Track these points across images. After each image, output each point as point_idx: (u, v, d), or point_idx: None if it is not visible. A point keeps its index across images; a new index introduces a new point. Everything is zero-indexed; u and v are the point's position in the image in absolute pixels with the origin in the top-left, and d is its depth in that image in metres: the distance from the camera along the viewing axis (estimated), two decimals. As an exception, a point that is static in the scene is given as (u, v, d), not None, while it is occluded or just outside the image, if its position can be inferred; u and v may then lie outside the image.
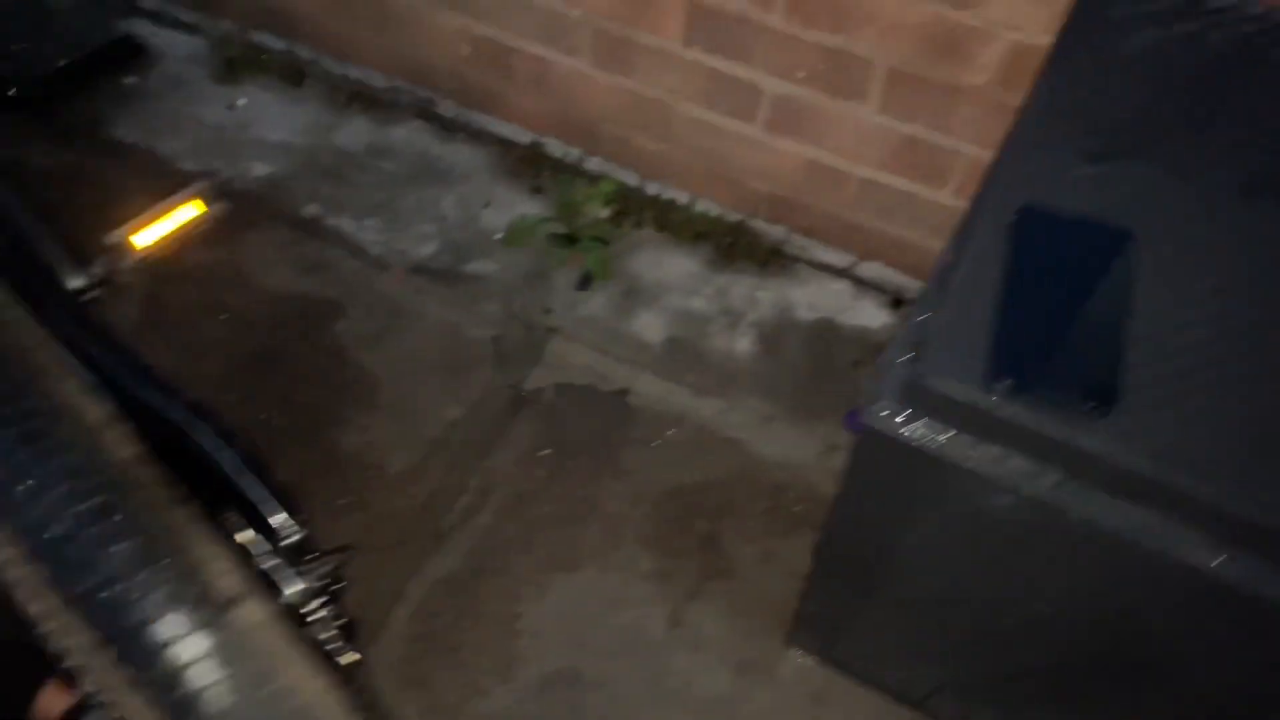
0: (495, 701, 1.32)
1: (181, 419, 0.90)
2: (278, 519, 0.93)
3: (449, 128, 1.90)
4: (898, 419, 0.86)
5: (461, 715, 1.30)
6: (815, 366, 1.64)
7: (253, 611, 0.54)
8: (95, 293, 0.93)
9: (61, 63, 1.86)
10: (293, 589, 0.94)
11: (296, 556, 0.95)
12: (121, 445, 0.66)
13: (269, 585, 0.92)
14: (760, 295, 1.71)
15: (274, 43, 1.95)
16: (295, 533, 0.93)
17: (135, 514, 0.62)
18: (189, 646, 0.56)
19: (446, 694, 1.32)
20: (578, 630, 1.37)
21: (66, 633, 0.59)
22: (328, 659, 0.97)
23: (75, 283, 0.93)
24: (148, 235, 0.97)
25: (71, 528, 0.57)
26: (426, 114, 1.90)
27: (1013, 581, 1.03)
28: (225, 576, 0.54)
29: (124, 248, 0.97)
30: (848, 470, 1.03)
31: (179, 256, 1.63)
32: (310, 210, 1.78)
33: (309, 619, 0.95)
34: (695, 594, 1.41)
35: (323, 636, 0.96)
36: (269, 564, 0.91)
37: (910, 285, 1.70)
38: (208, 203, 0.94)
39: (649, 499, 1.49)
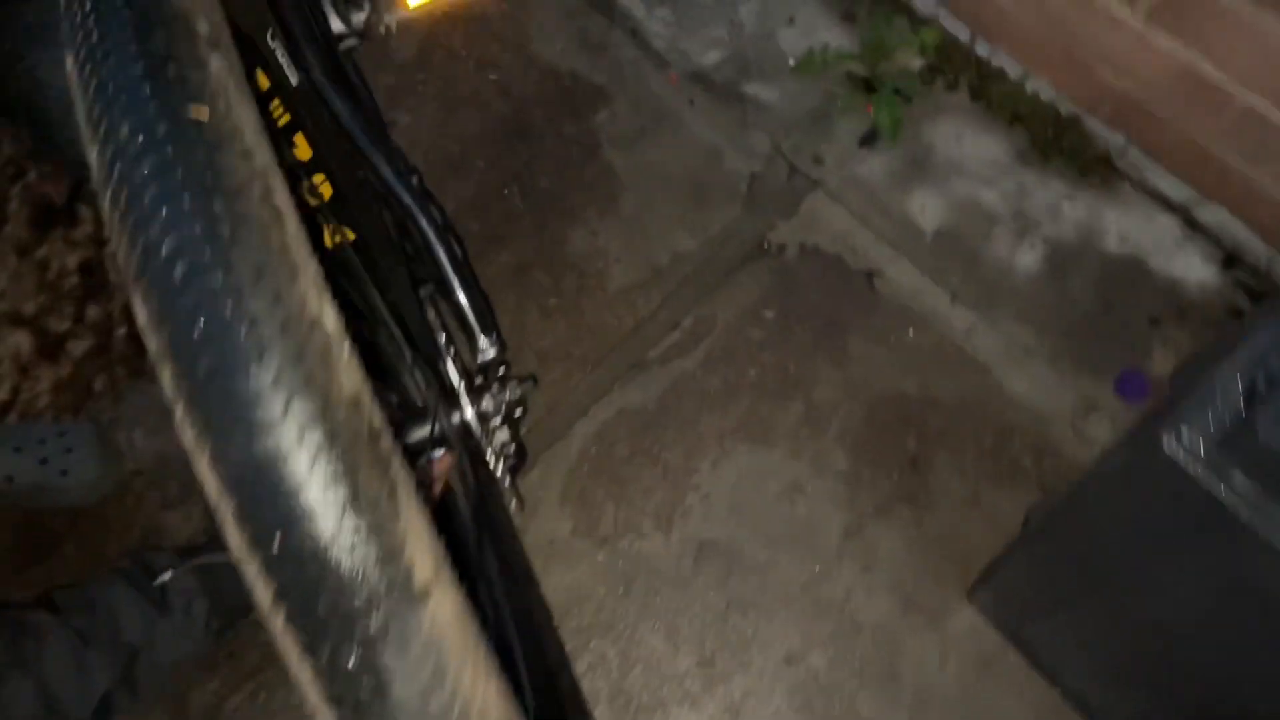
0: (648, 546, 1.28)
1: (409, 202, 0.84)
2: (482, 340, 0.88)
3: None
4: (1201, 456, 0.69)
5: (612, 548, 1.28)
6: (1103, 308, 1.40)
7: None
8: (353, 41, 0.87)
9: None
10: (477, 407, 0.89)
11: (488, 373, 0.90)
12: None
13: (454, 399, 0.89)
14: (1066, 208, 1.47)
15: None
16: (492, 351, 0.87)
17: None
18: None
19: (603, 523, 1.30)
20: (750, 507, 1.30)
21: None
22: (492, 479, 0.94)
23: (336, 25, 0.87)
24: (414, -9, 0.89)
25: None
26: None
27: (1262, 651, 0.86)
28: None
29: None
30: (1113, 465, 0.86)
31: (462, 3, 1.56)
32: (605, -17, 1.65)
33: (486, 438, 0.91)
34: (883, 512, 1.30)
35: (493, 458, 0.92)
36: (458, 379, 0.87)
37: (1254, 246, 1.40)
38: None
39: (864, 397, 1.36)
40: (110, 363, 0.75)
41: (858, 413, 1.35)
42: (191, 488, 1.33)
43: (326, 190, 0.87)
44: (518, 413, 0.92)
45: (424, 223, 0.81)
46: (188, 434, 0.47)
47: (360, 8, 0.83)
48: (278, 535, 0.47)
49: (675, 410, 1.36)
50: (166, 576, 0.95)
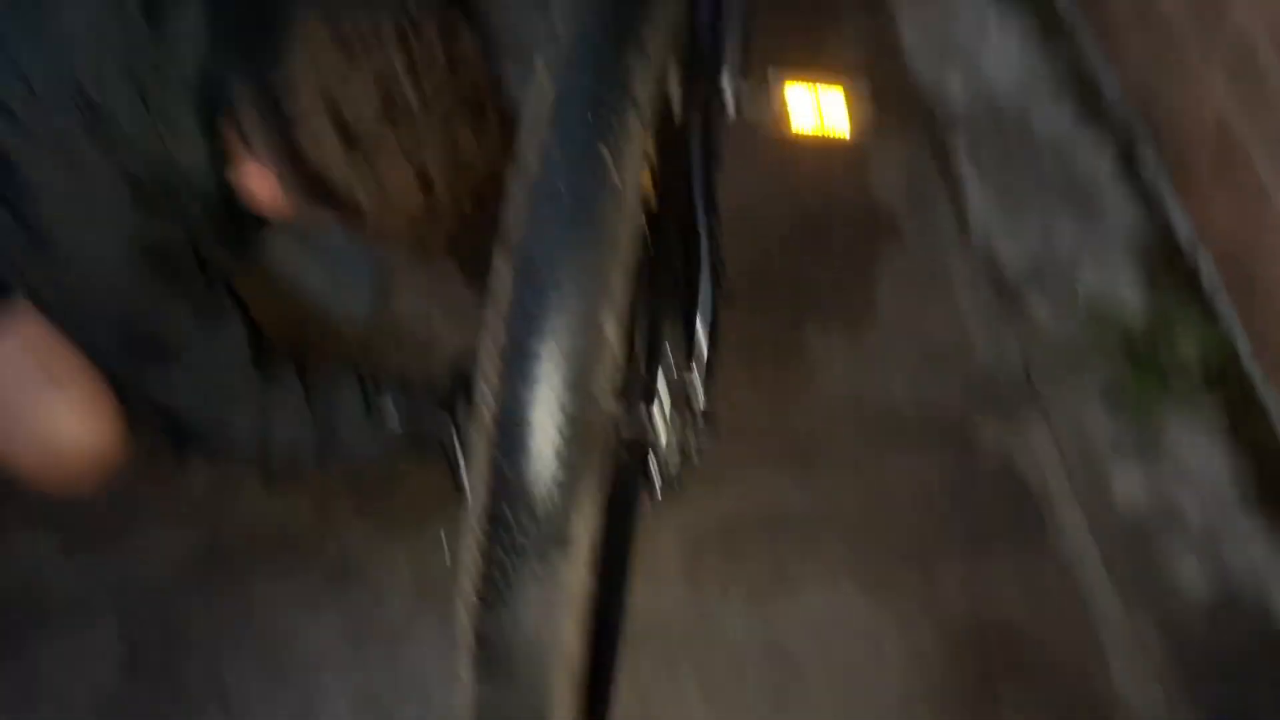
0: (729, 614, 1.39)
1: (705, 240, 1.01)
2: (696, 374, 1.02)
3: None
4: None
5: (702, 604, 1.40)
6: (1239, 674, 1.39)
7: None
8: (732, 110, 1.05)
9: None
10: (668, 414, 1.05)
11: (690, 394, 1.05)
12: None
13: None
14: (1264, 567, 1.46)
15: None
16: (701, 380, 1.02)
17: None
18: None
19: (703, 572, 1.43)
20: (827, 635, 1.38)
21: None
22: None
23: (724, 79, 1.05)
24: (795, 90, 1.05)
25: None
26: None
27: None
28: None
29: (776, 87, 1.07)
30: None
31: (820, 115, 1.73)
32: (954, 152, 1.78)
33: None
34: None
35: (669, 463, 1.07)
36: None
37: None
38: (855, 99, 0.99)
39: (966, 608, 1.41)
40: (460, 254, 0.95)
41: (958, 620, 1.40)
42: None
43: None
44: (696, 436, 1.08)
45: (707, 262, 0.98)
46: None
47: (752, 85, 1.01)
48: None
49: (817, 525, 1.47)
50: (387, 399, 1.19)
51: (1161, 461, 1.52)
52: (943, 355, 1.61)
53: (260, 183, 0.97)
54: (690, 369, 1.03)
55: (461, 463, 1.04)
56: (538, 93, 0.68)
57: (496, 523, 0.63)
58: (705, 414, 1.08)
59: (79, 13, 0.87)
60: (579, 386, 0.61)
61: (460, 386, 1.06)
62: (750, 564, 1.44)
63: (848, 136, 1.09)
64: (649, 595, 1.39)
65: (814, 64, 1.12)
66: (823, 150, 1.76)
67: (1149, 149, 1.71)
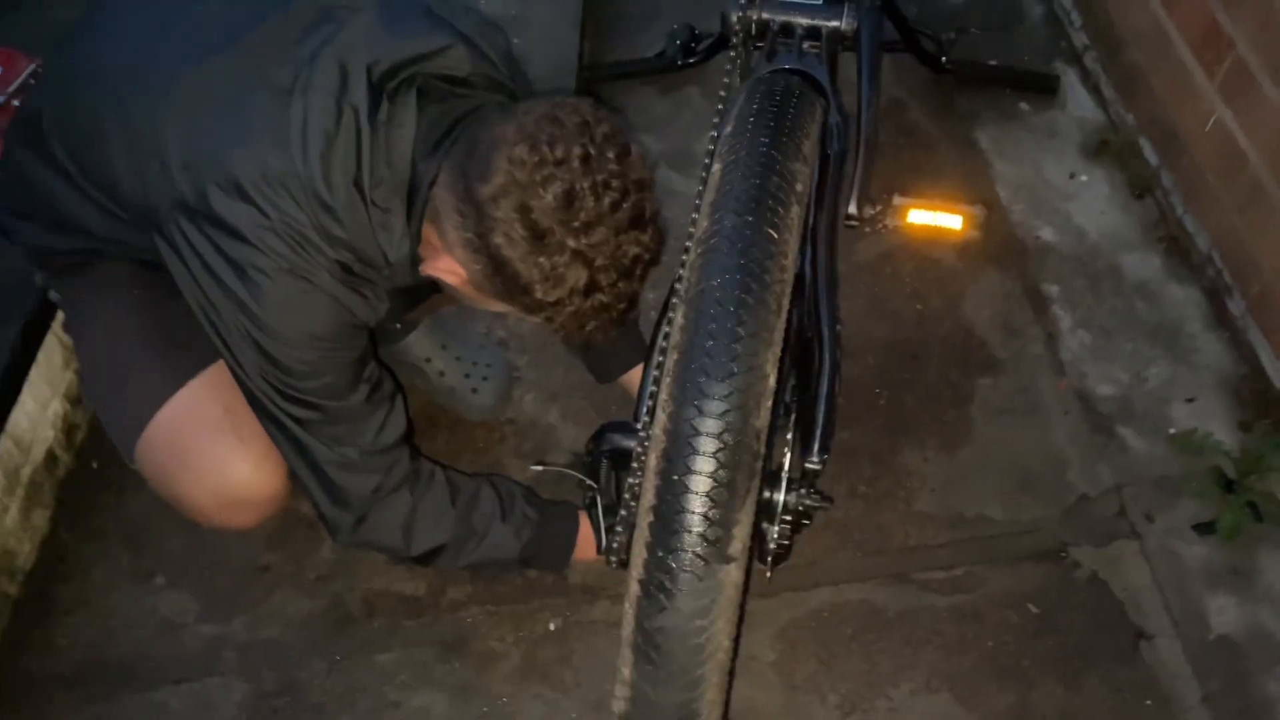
0: (823, 716, 1.43)
1: (826, 330, 1.11)
2: (815, 454, 1.12)
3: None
4: None
5: (793, 697, 1.44)
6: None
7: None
8: (854, 224, 1.18)
9: (993, 62, 2.17)
10: (782, 496, 1.14)
11: (804, 479, 1.14)
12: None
13: (772, 481, 1.14)
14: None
15: (1150, 156, 2.01)
16: (817, 466, 1.11)
17: None
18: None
19: (798, 673, 1.47)
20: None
21: None
22: (760, 555, 1.17)
23: (849, 208, 1.19)
24: (919, 215, 1.18)
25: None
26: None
27: None
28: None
29: (897, 210, 1.19)
30: None
31: (923, 241, 1.86)
32: (1047, 290, 1.88)
33: (774, 520, 1.15)
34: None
35: (772, 541, 1.15)
36: (784, 470, 1.12)
37: None
38: (973, 225, 1.10)
39: (1073, 725, 1.42)
40: (610, 323, 1.07)
41: (1059, 735, 1.42)
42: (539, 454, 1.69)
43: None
44: (804, 520, 1.16)
45: (829, 350, 1.09)
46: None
47: (875, 205, 1.14)
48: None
49: (908, 630, 1.51)
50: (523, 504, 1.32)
51: (1254, 588, 1.54)
52: (1037, 480, 1.67)
53: (448, 274, 1.10)
54: (809, 460, 1.11)
55: (603, 524, 1.13)
56: (716, 182, 0.81)
57: (665, 532, 0.72)
58: (812, 508, 1.15)
59: (315, 116, 1.04)
60: (745, 418, 0.71)
61: (602, 459, 1.16)
62: (846, 666, 1.48)
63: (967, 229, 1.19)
64: (745, 683, 1.44)
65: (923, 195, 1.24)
66: (920, 282, 1.88)
67: (1237, 293, 1.79)
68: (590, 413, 1.75)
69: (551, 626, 1.53)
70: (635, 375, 1.57)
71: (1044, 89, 2.15)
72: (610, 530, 1.12)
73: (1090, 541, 1.61)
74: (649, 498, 0.76)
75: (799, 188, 0.83)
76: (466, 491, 1.33)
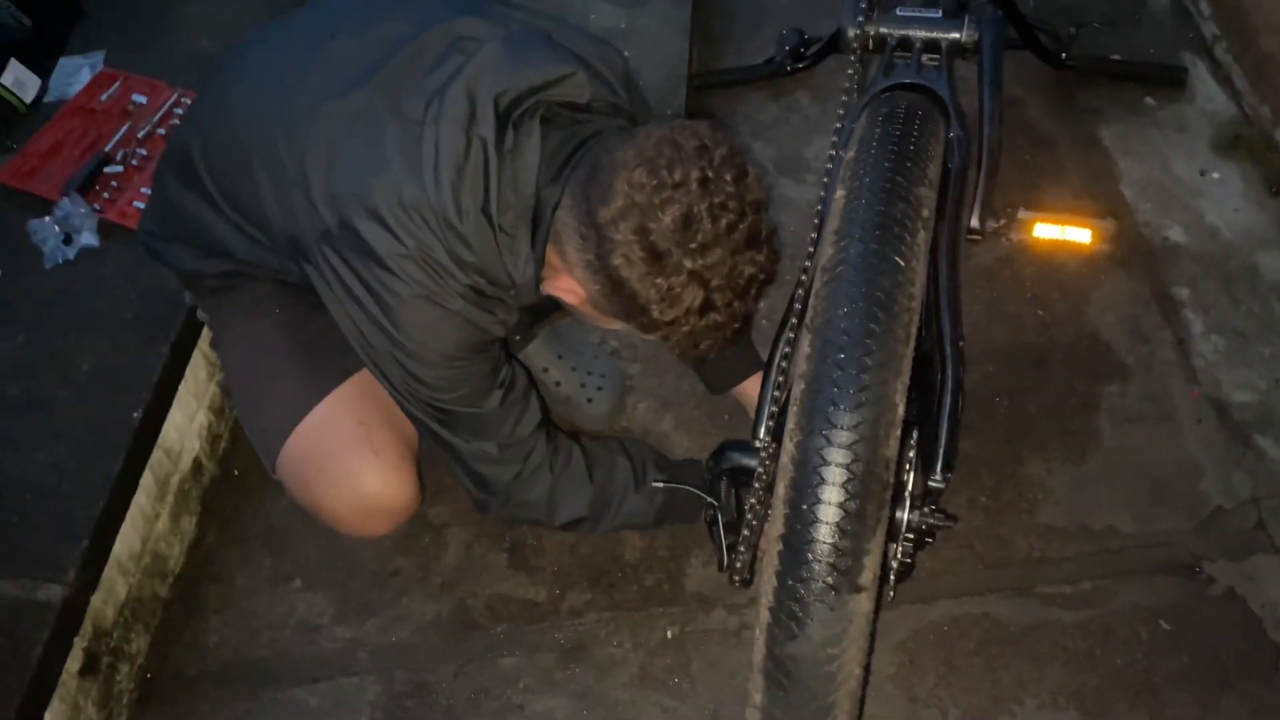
0: (941, 729, 1.41)
1: (949, 346, 1.10)
2: (938, 472, 1.11)
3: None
4: None
5: (916, 711, 1.43)
6: None
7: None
8: (977, 238, 1.16)
9: (1116, 57, 2.09)
10: (905, 514, 1.13)
11: (927, 497, 1.13)
12: None
13: (894, 499, 1.13)
14: None
15: (1289, 147, 1.92)
16: (940, 484, 1.10)
17: None
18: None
19: (920, 687, 1.46)
20: None
21: None
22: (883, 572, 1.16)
23: (972, 220, 1.17)
24: (1045, 229, 1.15)
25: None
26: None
27: None
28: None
29: (1022, 224, 1.17)
30: None
31: (1050, 251, 1.81)
32: (1177, 293, 1.81)
33: (897, 539, 1.14)
34: None
35: (894, 559, 1.15)
36: (908, 488, 1.11)
37: None
38: (1102, 239, 1.07)
39: None
40: (724, 340, 1.09)
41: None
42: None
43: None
44: (927, 538, 1.15)
45: (952, 367, 1.07)
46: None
47: (998, 219, 1.12)
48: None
49: (1032, 645, 1.48)
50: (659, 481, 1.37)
51: None
52: (1169, 491, 1.61)
53: (567, 294, 1.14)
54: (932, 478, 1.10)
55: (724, 541, 1.15)
56: (840, 209, 0.82)
57: (796, 561, 0.73)
58: (935, 526, 1.14)
59: (446, 147, 1.08)
60: (874, 448, 0.72)
61: (721, 474, 1.18)
62: (967, 681, 1.46)
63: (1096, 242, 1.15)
64: (867, 699, 1.43)
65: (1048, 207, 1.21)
66: (1041, 286, 1.83)
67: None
68: (703, 422, 1.76)
69: (669, 634, 1.55)
70: (748, 386, 1.58)
71: (1171, 82, 2.07)
72: (731, 548, 1.14)
73: (1226, 555, 1.55)
74: (778, 526, 0.77)
75: (924, 214, 0.83)
76: (603, 464, 1.39)
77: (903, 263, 0.77)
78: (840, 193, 0.88)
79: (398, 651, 1.57)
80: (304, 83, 1.15)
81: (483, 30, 1.13)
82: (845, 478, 0.73)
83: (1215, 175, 1.95)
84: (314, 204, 1.11)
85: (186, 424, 1.69)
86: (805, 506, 0.73)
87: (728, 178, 1.00)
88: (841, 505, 0.73)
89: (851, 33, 1.19)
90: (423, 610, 1.61)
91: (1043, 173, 1.95)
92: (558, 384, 1.74)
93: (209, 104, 1.27)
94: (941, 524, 1.12)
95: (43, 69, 1.93)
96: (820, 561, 0.73)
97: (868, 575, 0.74)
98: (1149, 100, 2.07)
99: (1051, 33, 2.00)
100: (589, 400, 1.74)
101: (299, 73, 1.16)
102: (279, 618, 1.61)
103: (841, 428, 0.73)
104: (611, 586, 1.60)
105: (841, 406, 0.73)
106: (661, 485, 1.37)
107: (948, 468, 1.11)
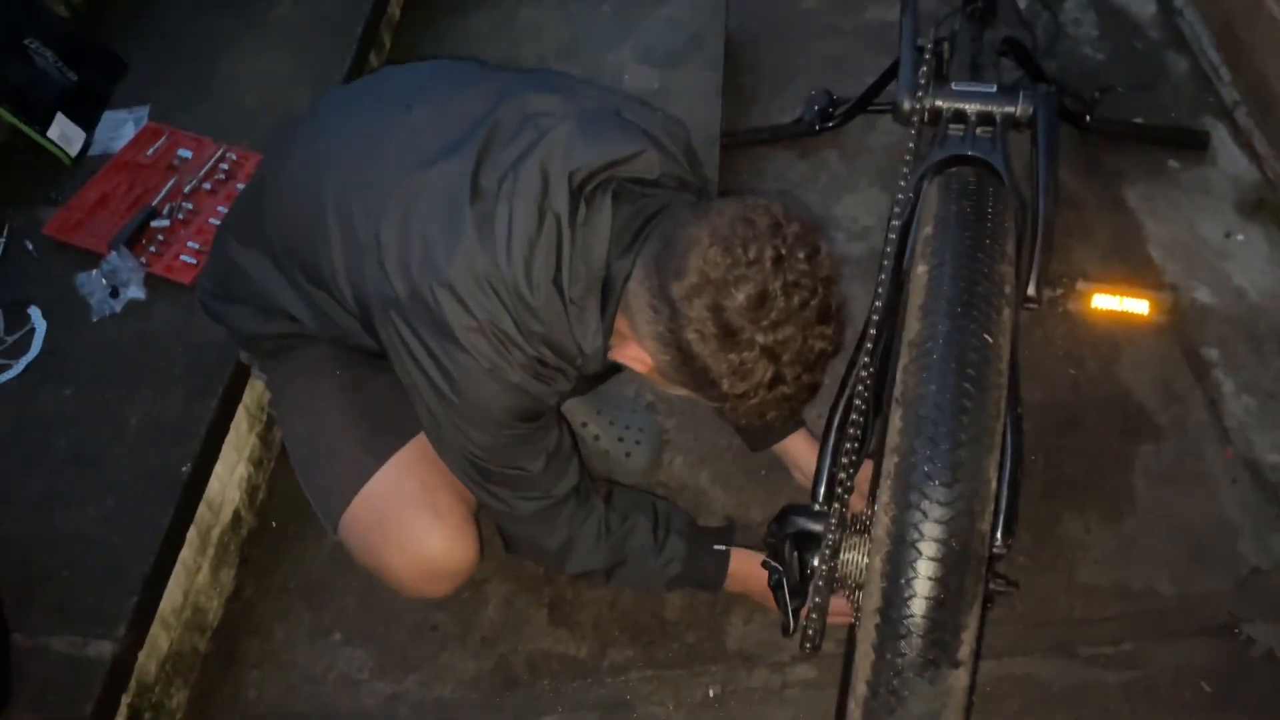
0: None
1: (1010, 422, 1.12)
2: (999, 538, 1.11)
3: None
4: None
5: None
6: None
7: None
8: (1034, 306, 1.18)
9: (1139, 120, 2.14)
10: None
11: (989, 562, 1.14)
12: None
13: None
14: None
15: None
16: (1002, 550, 1.11)
17: None
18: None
19: None
20: None
21: None
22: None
23: (1029, 290, 1.19)
24: (1103, 300, 1.18)
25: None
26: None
27: None
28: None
29: (1080, 295, 1.19)
30: None
31: (1103, 322, 1.83)
32: (1207, 353, 1.84)
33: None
34: None
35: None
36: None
37: None
38: (1159, 311, 1.09)
39: None
40: (790, 413, 1.10)
41: None
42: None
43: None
44: (988, 604, 1.16)
45: (1012, 434, 1.09)
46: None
47: (1054, 288, 1.14)
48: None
49: (1076, 706, 1.48)
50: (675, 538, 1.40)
51: None
52: (1207, 552, 1.62)
53: (635, 362, 1.15)
54: (994, 544, 1.11)
55: (790, 605, 1.15)
56: (924, 285, 0.84)
57: (894, 637, 0.74)
58: (996, 592, 1.15)
59: (520, 221, 1.10)
60: (971, 523, 0.73)
61: (785, 539, 1.19)
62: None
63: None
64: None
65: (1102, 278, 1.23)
66: (1072, 344, 1.86)
67: None
68: (740, 477, 1.77)
69: (710, 693, 1.55)
70: (788, 443, 1.60)
71: (1194, 145, 2.12)
72: (795, 612, 1.15)
73: (1265, 617, 1.56)
74: (874, 600, 0.79)
75: (1007, 290, 0.85)
76: (624, 525, 1.40)
77: (990, 339, 0.79)
78: (922, 268, 0.90)
79: (439, 707, 1.56)
80: (382, 150, 1.17)
81: (555, 106, 1.15)
82: (944, 552, 0.74)
83: (1240, 237, 1.99)
84: (385, 271, 1.13)
85: (228, 476, 1.70)
86: (903, 580, 0.75)
87: (800, 255, 1.02)
88: (941, 580, 0.74)
89: (908, 105, 1.22)
90: (464, 666, 1.61)
91: (1071, 233, 1.98)
92: (596, 438, 1.75)
93: (282, 163, 1.30)
94: (1004, 590, 1.13)
95: (87, 122, 1.96)
96: (920, 637, 0.74)
97: (965, 650, 0.75)
98: (1172, 163, 2.12)
99: (1076, 95, 2.05)
100: (627, 455, 1.75)
101: (377, 141, 1.18)
102: (319, 672, 1.61)
103: (939, 503, 0.74)
104: (653, 643, 1.60)
105: (938, 481, 0.75)
106: (685, 553, 1.40)
107: (1009, 533, 1.12)
